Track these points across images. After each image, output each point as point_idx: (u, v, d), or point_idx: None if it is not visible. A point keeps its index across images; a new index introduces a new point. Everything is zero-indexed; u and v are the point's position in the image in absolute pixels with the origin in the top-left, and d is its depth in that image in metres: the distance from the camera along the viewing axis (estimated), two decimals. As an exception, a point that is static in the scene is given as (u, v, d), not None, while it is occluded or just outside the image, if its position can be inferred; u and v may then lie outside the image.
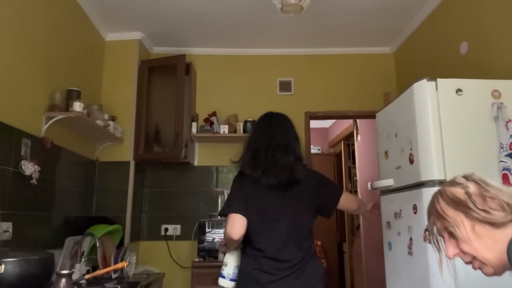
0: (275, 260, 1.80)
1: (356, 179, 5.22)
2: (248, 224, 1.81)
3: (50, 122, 2.51)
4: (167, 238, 3.64)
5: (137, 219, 3.53)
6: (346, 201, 2.00)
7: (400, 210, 2.16)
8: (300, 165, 1.87)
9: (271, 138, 1.90)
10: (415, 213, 1.99)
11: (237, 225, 1.79)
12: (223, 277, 1.94)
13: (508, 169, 1.83)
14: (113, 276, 2.57)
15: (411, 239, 2.03)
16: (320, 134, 6.41)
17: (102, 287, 2.33)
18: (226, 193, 3.40)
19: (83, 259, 2.58)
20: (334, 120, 6.00)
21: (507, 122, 1.87)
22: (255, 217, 1.83)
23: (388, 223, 2.31)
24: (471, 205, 0.97)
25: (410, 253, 2.03)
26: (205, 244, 3.37)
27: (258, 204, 1.84)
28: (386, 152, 2.40)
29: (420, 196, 1.95)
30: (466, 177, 1.04)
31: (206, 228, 3.42)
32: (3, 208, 2.07)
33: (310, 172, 1.95)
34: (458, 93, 1.99)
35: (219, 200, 3.66)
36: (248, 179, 1.86)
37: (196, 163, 3.80)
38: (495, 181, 1.02)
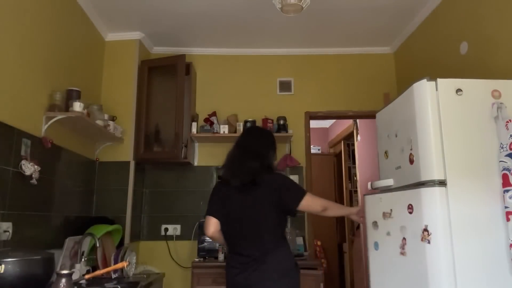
0: (239, 255, 2.02)
1: (356, 179, 5.22)
2: (221, 224, 2.11)
3: (50, 122, 2.52)
4: (167, 238, 3.64)
5: (137, 219, 3.53)
6: (308, 204, 2.12)
7: (391, 209, 2.12)
8: (265, 170, 2.10)
9: (245, 147, 2.18)
10: (410, 212, 1.96)
11: (208, 224, 2.11)
12: None
13: (508, 169, 1.83)
14: (113, 276, 2.57)
15: (404, 239, 1.99)
16: (320, 134, 6.41)
17: (102, 287, 2.33)
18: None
19: (83, 259, 2.58)
20: (334, 120, 6.00)
21: (507, 122, 1.87)
22: (225, 217, 2.10)
23: (375, 222, 2.26)
24: None
25: (402, 253, 2.00)
26: (205, 244, 3.37)
27: (227, 205, 2.11)
28: (386, 152, 2.40)
29: (417, 196, 1.92)
30: None
31: (206, 228, 3.41)
32: (3, 208, 2.07)
33: (275, 176, 2.15)
34: (458, 93, 1.99)
35: (219, 200, 3.66)
36: (223, 182, 2.17)
37: (196, 163, 3.80)
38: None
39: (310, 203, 2.12)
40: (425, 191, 1.90)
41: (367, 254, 2.40)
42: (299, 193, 2.12)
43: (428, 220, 1.87)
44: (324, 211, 2.19)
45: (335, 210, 2.36)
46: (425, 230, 1.86)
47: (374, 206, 2.30)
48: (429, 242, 1.83)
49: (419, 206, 1.92)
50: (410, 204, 1.98)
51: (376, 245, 2.26)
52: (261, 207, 2.05)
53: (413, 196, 1.96)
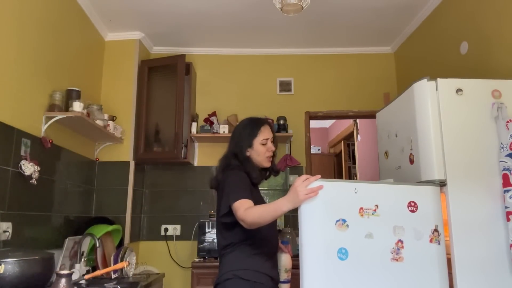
0: None
1: (356, 179, 5.22)
2: None
3: (50, 122, 2.52)
4: (167, 238, 3.64)
5: (137, 219, 3.53)
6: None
7: (376, 205, 1.78)
8: (221, 169, 1.95)
9: None
10: (412, 211, 1.80)
11: None
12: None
13: (508, 169, 1.83)
14: (113, 276, 2.57)
15: (400, 241, 1.76)
16: (320, 134, 6.42)
17: (102, 287, 2.33)
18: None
19: (83, 259, 2.58)
20: (334, 120, 6.00)
21: (507, 122, 1.88)
22: None
23: (342, 221, 1.77)
24: None
25: (396, 259, 1.73)
26: (205, 244, 3.37)
27: None
28: (386, 152, 2.40)
29: (424, 192, 1.81)
30: None
31: (206, 228, 3.42)
32: (3, 208, 2.07)
33: (224, 175, 1.90)
34: (458, 93, 1.99)
35: (219, 200, 3.66)
36: None
37: (196, 163, 3.80)
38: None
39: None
40: (424, 188, 1.82)
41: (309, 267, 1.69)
42: (224, 204, 1.80)
43: (438, 219, 1.79)
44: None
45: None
46: (435, 230, 1.82)
47: (339, 197, 1.75)
48: (439, 243, 1.76)
49: (426, 204, 1.79)
50: (413, 202, 1.80)
51: (342, 252, 1.72)
52: (216, 209, 1.92)
53: (418, 192, 1.81)
